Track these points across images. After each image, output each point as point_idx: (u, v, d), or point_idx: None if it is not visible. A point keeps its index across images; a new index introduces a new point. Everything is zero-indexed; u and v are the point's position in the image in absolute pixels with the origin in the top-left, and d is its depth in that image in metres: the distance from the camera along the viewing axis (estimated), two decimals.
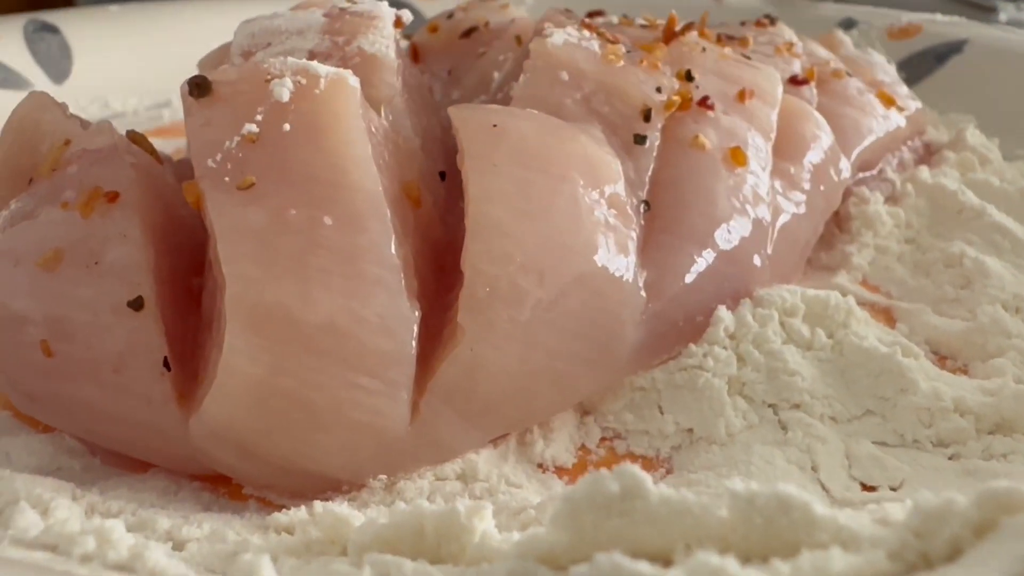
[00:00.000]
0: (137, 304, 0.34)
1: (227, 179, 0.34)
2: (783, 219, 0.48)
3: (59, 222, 0.36)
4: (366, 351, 0.33)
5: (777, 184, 0.49)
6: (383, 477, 0.35)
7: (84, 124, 0.44)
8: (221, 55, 0.52)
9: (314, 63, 0.38)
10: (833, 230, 0.56)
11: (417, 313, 0.34)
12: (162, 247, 0.37)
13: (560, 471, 0.38)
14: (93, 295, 0.34)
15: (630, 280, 0.39)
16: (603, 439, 0.40)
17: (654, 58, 0.48)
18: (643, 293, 0.39)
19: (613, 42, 0.47)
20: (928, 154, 0.69)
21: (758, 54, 0.58)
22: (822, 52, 0.66)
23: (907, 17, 0.92)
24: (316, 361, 0.33)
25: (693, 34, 0.56)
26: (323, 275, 0.33)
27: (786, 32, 0.65)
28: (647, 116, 0.44)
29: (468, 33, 0.61)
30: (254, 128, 0.35)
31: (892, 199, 0.59)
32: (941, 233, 0.57)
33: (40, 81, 0.77)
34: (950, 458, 0.39)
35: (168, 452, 0.36)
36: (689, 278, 0.42)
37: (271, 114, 0.36)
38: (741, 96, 0.50)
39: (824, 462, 0.38)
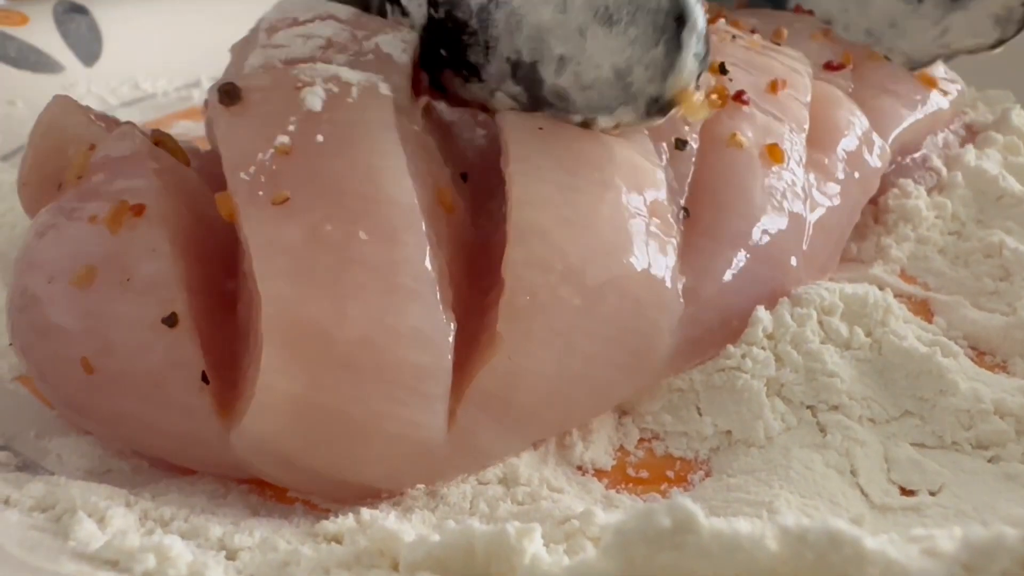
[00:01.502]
0: (171, 321, 0.34)
1: (261, 193, 0.34)
2: (818, 213, 0.48)
3: (89, 238, 0.36)
4: (402, 365, 0.33)
5: (811, 177, 0.49)
6: (423, 485, 0.36)
7: (109, 125, 0.45)
8: (253, 39, 0.51)
9: (345, 69, 0.37)
10: (869, 222, 0.56)
11: (453, 325, 0.35)
12: (193, 256, 0.37)
13: (599, 473, 0.39)
14: (128, 312, 0.35)
15: (668, 286, 0.39)
16: (641, 440, 0.40)
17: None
18: (681, 299, 0.39)
19: None
20: (971, 134, 0.68)
21: (793, 39, 0.57)
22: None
23: None
24: (353, 376, 0.33)
25: (722, 21, 0.56)
26: (359, 291, 0.33)
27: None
28: (687, 119, 0.43)
29: None
30: (286, 140, 0.35)
31: (938, 188, 0.58)
32: (982, 221, 0.56)
33: (71, 64, 0.77)
34: (990, 460, 0.39)
35: (212, 461, 0.36)
36: (726, 281, 0.41)
37: (303, 124, 0.35)
38: (773, 87, 0.49)
39: (863, 466, 0.38)
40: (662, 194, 0.40)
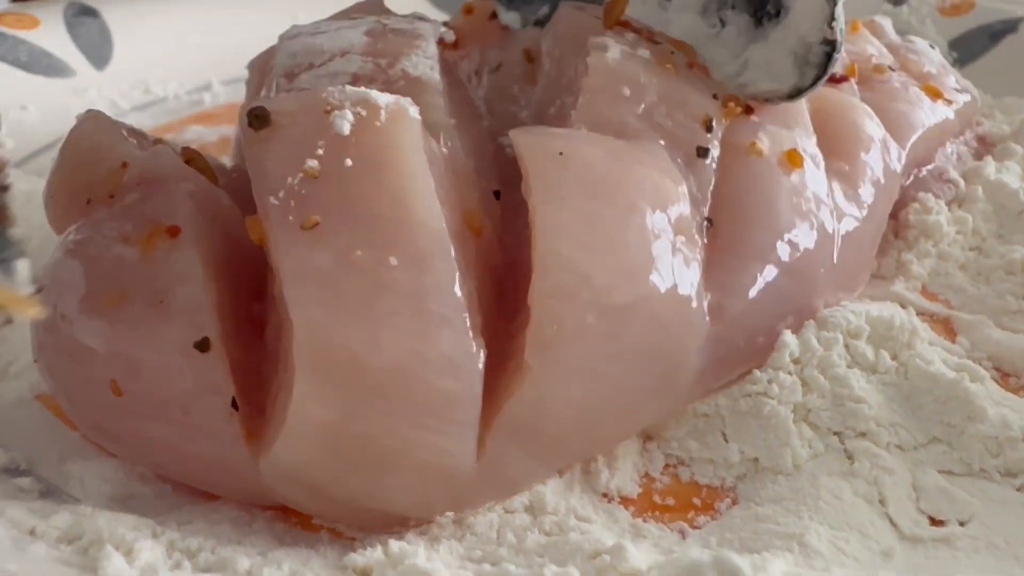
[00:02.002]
0: (203, 346, 0.34)
1: (291, 218, 0.34)
2: (846, 224, 0.47)
3: (121, 259, 0.36)
4: (433, 392, 0.33)
5: (835, 186, 0.48)
6: (450, 513, 0.36)
7: (140, 141, 0.44)
8: (270, 55, 0.51)
9: (373, 92, 0.37)
10: (890, 237, 0.55)
11: (483, 352, 0.34)
12: (224, 279, 0.37)
13: (625, 501, 0.38)
14: (159, 336, 0.35)
15: (694, 306, 0.38)
16: (667, 466, 0.40)
17: (696, 59, 0.46)
18: (707, 317, 0.39)
19: (653, 40, 0.46)
20: (984, 146, 0.67)
21: None
22: (866, 46, 0.64)
23: None
24: (384, 404, 0.33)
25: None
26: (389, 317, 0.33)
27: None
28: (709, 126, 0.43)
29: (495, 15, 0.60)
30: (315, 164, 0.35)
31: (958, 202, 0.58)
32: (1003, 236, 0.56)
33: (82, 67, 0.76)
34: (1018, 489, 0.38)
35: (239, 488, 0.36)
36: (752, 298, 0.41)
37: (332, 148, 0.35)
38: None
39: (892, 495, 0.38)
40: (686, 208, 0.39)
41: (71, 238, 0.38)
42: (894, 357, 0.43)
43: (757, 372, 0.41)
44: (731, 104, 0.44)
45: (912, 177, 0.58)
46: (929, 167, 0.60)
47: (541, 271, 0.35)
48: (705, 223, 0.41)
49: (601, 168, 0.38)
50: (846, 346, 0.43)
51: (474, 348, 0.34)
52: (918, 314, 0.49)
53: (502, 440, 0.35)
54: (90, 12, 0.79)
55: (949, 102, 0.61)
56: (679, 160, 0.42)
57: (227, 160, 0.61)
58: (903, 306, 0.50)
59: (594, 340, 0.36)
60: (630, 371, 0.37)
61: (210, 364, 0.34)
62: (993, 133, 0.68)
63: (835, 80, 0.56)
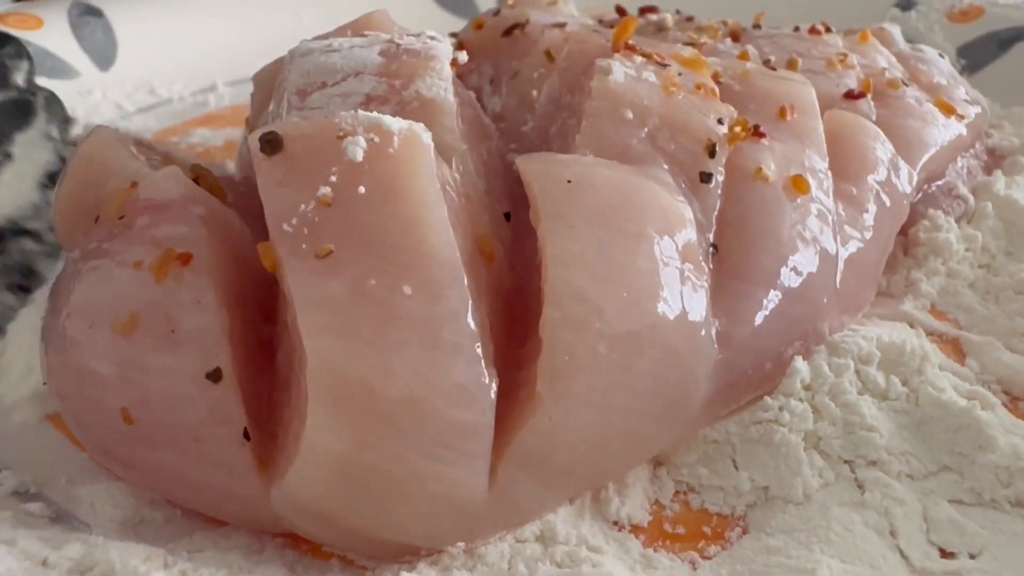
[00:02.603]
0: (215, 376, 0.34)
1: (304, 246, 0.34)
2: (850, 247, 0.47)
3: (133, 284, 0.36)
4: (445, 423, 0.33)
5: (841, 208, 0.48)
6: (461, 544, 0.36)
7: (150, 158, 0.44)
8: (276, 69, 0.50)
9: (386, 117, 0.37)
10: (899, 254, 0.55)
11: (495, 382, 0.34)
12: (235, 305, 0.37)
13: (636, 529, 0.38)
14: (170, 364, 0.34)
15: (703, 334, 0.38)
16: (677, 493, 0.40)
17: (706, 80, 0.46)
18: (715, 344, 0.39)
19: (661, 63, 0.46)
20: (994, 159, 0.67)
21: (809, 72, 0.56)
22: (876, 57, 0.64)
23: None
24: (397, 435, 0.33)
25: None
26: (403, 347, 0.33)
27: (839, 41, 0.62)
28: (712, 151, 0.43)
29: (509, 31, 0.59)
30: (328, 191, 0.34)
31: (967, 218, 0.57)
32: (1013, 253, 0.56)
33: (87, 69, 0.76)
34: None
35: (249, 516, 0.36)
36: (759, 324, 0.41)
37: (345, 175, 0.35)
38: (782, 113, 0.48)
39: (902, 526, 0.38)
40: (692, 235, 0.39)
41: (81, 261, 0.37)
42: (905, 383, 0.43)
43: (768, 399, 0.41)
44: (737, 128, 0.44)
45: (922, 193, 0.58)
46: (939, 183, 0.60)
47: (552, 301, 0.35)
48: (711, 249, 0.41)
49: (609, 195, 0.38)
50: (857, 372, 0.43)
51: (487, 378, 0.34)
52: (928, 334, 0.49)
53: (513, 470, 0.35)
54: (95, 12, 0.79)
55: (961, 117, 0.61)
56: (683, 184, 0.41)
57: (231, 165, 0.61)
58: (912, 326, 0.50)
59: (605, 370, 0.35)
60: (640, 400, 0.37)
61: (222, 394, 0.34)
62: (1003, 145, 0.68)
63: (852, 96, 0.56)
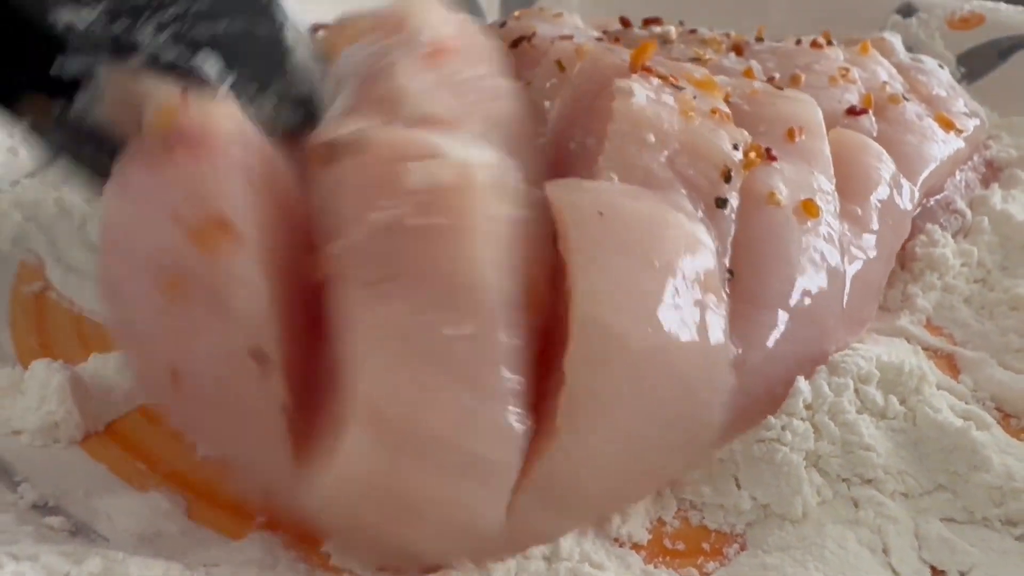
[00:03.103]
0: (260, 357, 0.34)
1: (361, 270, 0.34)
2: (856, 267, 0.48)
3: (175, 243, 0.34)
4: (477, 460, 0.34)
5: (847, 229, 0.49)
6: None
7: None
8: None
9: (447, 142, 0.37)
10: (896, 268, 0.56)
11: (529, 424, 0.35)
12: (281, 277, 0.36)
13: (636, 546, 0.39)
14: (214, 339, 0.34)
15: (721, 362, 0.39)
16: (679, 510, 0.41)
17: (720, 104, 0.47)
18: (731, 373, 0.40)
19: (676, 86, 0.47)
20: (992, 171, 0.68)
21: (812, 88, 0.57)
22: (877, 69, 0.65)
23: (970, 4, 0.89)
24: (430, 465, 0.34)
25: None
26: (449, 383, 0.33)
27: (840, 55, 0.63)
28: (727, 176, 0.44)
29: (516, 43, 0.60)
30: (385, 216, 0.34)
31: (964, 232, 0.58)
32: (1008, 268, 0.57)
33: None
34: (1017, 538, 0.40)
35: (274, 500, 0.38)
36: (771, 348, 0.42)
37: (403, 202, 0.35)
38: (791, 135, 0.49)
39: (895, 544, 0.39)
40: (712, 263, 0.40)
41: (128, 176, 0.36)
42: (903, 402, 0.44)
43: (771, 418, 0.42)
44: (751, 154, 0.44)
45: (920, 208, 0.59)
46: (938, 197, 0.60)
47: (578, 336, 0.35)
48: (727, 275, 0.42)
49: (639, 228, 0.38)
50: (856, 391, 0.44)
51: (522, 421, 0.35)
52: (924, 349, 0.50)
53: (531, 501, 0.36)
54: None
55: (960, 131, 0.62)
56: (700, 210, 0.42)
57: None
58: (908, 340, 0.51)
59: (626, 405, 0.36)
60: (660, 432, 0.38)
61: (266, 375, 0.34)
62: (1000, 157, 0.68)
63: (854, 112, 0.57)
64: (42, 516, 0.38)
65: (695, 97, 0.46)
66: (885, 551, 0.39)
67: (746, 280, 0.42)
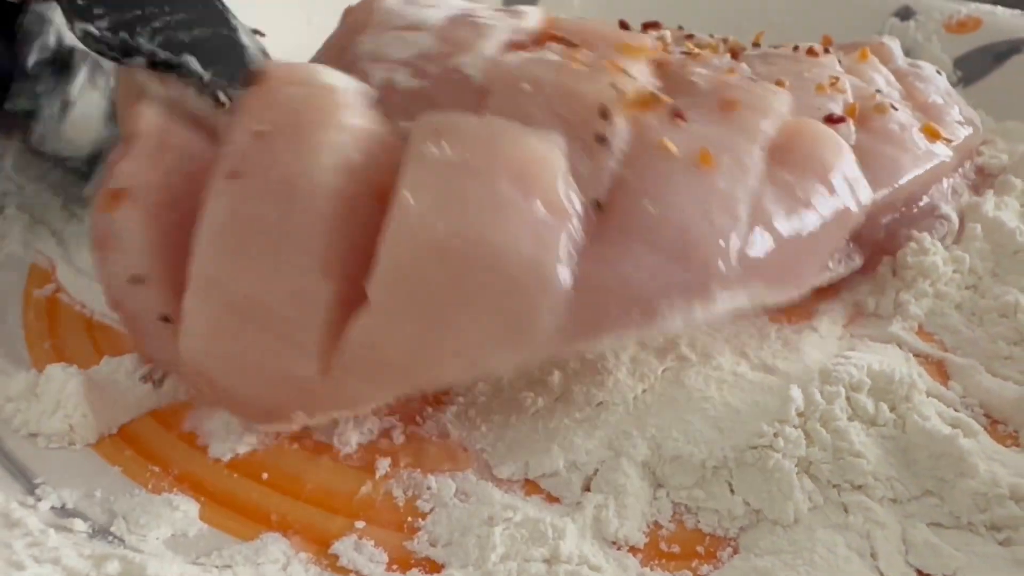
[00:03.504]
0: (137, 280, 0.43)
1: (223, 164, 0.41)
2: (771, 224, 0.47)
3: (100, 209, 0.44)
4: (282, 320, 0.40)
5: (769, 190, 0.48)
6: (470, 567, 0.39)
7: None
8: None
9: (327, 73, 0.45)
10: (888, 276, 0.58)
11: (329, 290, 0.40)
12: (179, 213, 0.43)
13: (633, 550, 0.41)
14: (115, 269, 0.44)
15: (549, 269, 0.40)
16: (674, 514, 0.42)
17: (630, 64, 0.50)
18: (566, 283, 0.41)
19: (572, 44, 0.51)
20: (983, 177, 0.69)
21: (797, 89, 0.57)
22: (873, 76, 0.66)
23: (967, 8, 0.90)
24: (251, 326, 0.41)
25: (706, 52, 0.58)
26: (269, 259, 0.40)
27: (836, 63, 0.64)
28: (604, 113, 0.45)
29: None
30: (258, 126, 0.41)
31: (956, 239, 0.60)
32: (999, 275, 0.58)
33: None
34: (1001, 543, 0.41)
35: (172, 368, 0.46)
36: (628, 272, 0.42)
37: (276, 114, 0.42)
38: (726, 106, 0.50)
39: (882, 549, 0.40)
40: (558, 184, 0.41)
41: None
42: (893, 409, 0.45)
43: (764, 425, 0.43)
44: (632, 95, 0.46)
45: (901, 214, 0.59)
46: (920, 203, 0.61)
47: (392, 219, 0.39)
48: (593, 203, 0.43)
49: (472, 142, 0.41)
50: (848, 399, 0.45)
51: (324, 290, 0.40)
52: (915, 355, 0.52)
53: (343, 364, 0.40)
54: None
55: (948, 141, 0.62)
56: (577, 145, 0.44)
57: None
58: (900, 346, 0.52)
59: (434, 287, 0.40)
60: (472, 318, 0.40)
61: (146, 292, 0.43)
62: (992, 164, 0.69)
63: (832, 120, 0.57)
64: (61, 518, 0.40)
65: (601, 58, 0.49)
66: (873, 555, 0.40)
67: (615, 211, 0.43)
